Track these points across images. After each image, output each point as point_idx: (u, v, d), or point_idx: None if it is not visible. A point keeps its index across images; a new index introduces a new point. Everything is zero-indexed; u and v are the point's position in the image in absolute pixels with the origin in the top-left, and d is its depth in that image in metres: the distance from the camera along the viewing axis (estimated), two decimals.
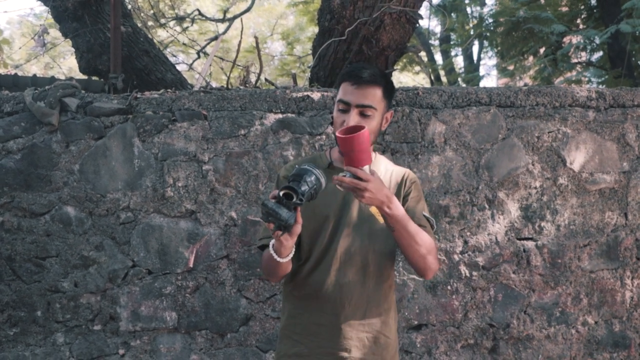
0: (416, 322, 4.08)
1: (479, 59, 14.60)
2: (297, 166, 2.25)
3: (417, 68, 14.93)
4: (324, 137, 4.05)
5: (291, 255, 2.29)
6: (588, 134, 4.16)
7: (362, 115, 2.41)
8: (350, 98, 2.41)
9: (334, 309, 2.44)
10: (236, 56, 5.91)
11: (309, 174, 2.16)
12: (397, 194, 2.52)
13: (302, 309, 2.50)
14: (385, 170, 2.59)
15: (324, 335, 2.44)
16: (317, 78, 5.48)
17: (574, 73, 10.00)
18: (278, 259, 2.26)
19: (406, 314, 4.07)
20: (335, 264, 2.44)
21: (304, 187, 2.13)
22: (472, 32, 11.45)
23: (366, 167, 2.19)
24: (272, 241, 2.26)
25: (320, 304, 2.45)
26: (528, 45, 9.05)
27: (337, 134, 2.20)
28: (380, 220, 2.44)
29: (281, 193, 2.10)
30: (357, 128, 2.22)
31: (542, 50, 9.31)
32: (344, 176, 2.18)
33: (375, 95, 2.42)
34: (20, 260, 4.05)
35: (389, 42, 5.33)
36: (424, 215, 2.51)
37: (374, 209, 2.44)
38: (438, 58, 15.33)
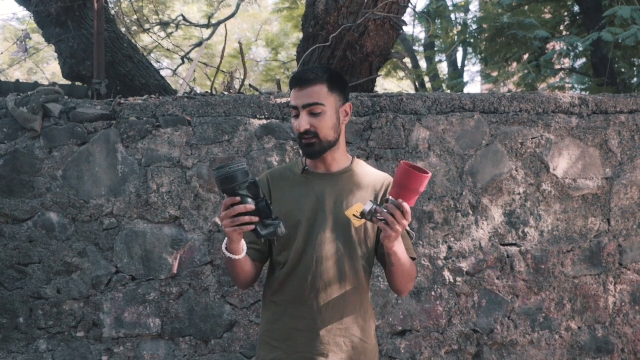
0: (400, 328, 4.09)
1: (463, 65, 14.65)
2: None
3: (402, 74, 14.97)
4: None
5: (244, 254, 2.33)
6: (571, 140, 4.18)
7: (312, 114, 2.44)
8: (297, 102, 2.45)
9: (311, 314, 2.44)
10: (220, 62, 5.91)
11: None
12: (374, 199, 2.53)
13: (280, 314, 2.50)
14: (364, 174, 2.59)
15: (302, 341, 2.45)
16: None
17: (557, 79, 10.06)
18: (233, 256, 2.31)
19: (390, 319, 4.07)
20: (312, 269, 2.44)
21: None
22: (456, 39, 11.49)
23: (406, 206, 2.18)
24: (225, 243, 2.30)
25: (297, 309, 2.46)
26: (512, 52, 9.09)
27: (404, 164, 2.16)
28: (356, 224, 2.47)
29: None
30: (423, 171, 2.17)
31: (525, 57, 9.35)
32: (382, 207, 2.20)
33: (319, 93, 2.44)
34: (2, 266, 4.02)
35: (373, 48, 5.34)
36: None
37: (350, 213, 2.45)
38: (422, 64, 15.38)
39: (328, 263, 2.45)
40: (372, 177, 2.59)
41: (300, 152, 2.57)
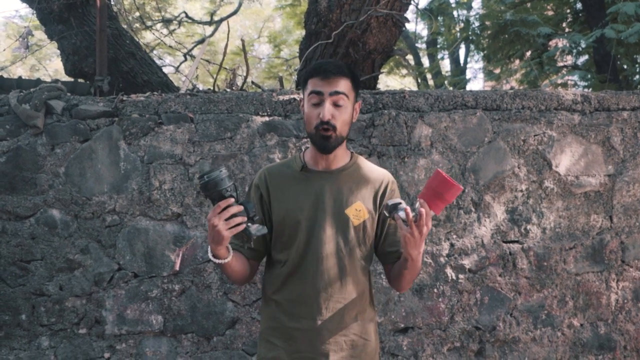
0: (402, 325, 4.09)
1: (466, 62, 14.65)
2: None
3: (404, 71, 14.96)
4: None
5: (231, 255, 2.33)
6: (573, 137, 4.18)
7: (335, 105, 2.41)
8: (323, 88, 2.41)
9: (312, 313, 2.44)
10: (223, 59, 5.91)
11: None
12: (374, 197, 2.53)
13: (281, 313, 2.50)
14: (364, 171, 2.58)
15: (302, 339, 2.45)
16: None
17: (560, 76, 10.06)
18: (222, 261, 2.31)
19: (392, 317, 4.07)
20: (312, 268, 2.44)
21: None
22: (458, 36, 11.48)
23: (432, 213, 2.23)
24: (209, 251, 2.31)
25: (298, 308, 2.46)
26: (514, 49, 9.08)
27: (442, 173, 2.20)
28: (355, 222, 2.47)
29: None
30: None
31: (528, 54, 9.34)
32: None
33: (345, 85, 2.44)
34: (4, 263, 4.02)
35: (375, 45, 5.34)
36: None
37: (350, 211, 2.45)
38: (425, 61, 15.36)
39: (329, 262, 2.45)
40: (372, 174, 2.58)
41: (309, 144, 2.53)
